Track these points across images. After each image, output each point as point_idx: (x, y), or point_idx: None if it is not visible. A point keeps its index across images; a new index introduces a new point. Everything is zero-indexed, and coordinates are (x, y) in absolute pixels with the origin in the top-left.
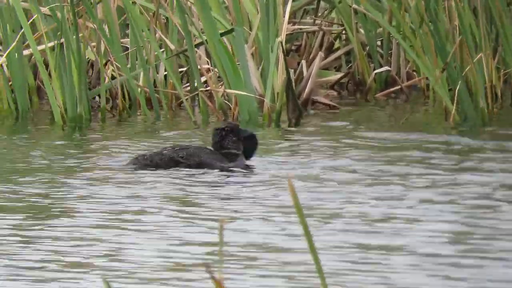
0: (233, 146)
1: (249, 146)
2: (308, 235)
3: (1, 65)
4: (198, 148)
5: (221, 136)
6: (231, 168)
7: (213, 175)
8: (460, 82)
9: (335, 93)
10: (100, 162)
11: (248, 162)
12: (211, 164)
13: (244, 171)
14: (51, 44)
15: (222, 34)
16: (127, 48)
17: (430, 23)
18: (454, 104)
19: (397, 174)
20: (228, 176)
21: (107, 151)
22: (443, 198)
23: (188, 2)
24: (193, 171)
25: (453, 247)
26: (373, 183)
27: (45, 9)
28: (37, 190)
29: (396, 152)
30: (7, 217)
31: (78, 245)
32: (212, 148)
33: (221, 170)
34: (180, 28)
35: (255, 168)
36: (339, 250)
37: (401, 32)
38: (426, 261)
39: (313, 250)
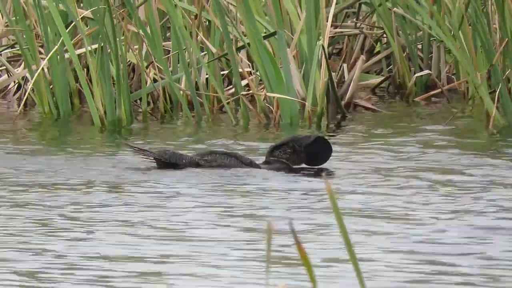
0: (284, 156)
1: (317, 151)
2: (347, 240)
3: (43, 68)
4: (226, 153)
5: (272, 149)
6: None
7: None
8: (501, 85)
9: (376, 97)
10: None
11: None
12: (234, 166)
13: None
14: (90, 47)
15: (264, 37)
16: (168, 51)
17: (474, 24)
18: (494, 108)
19: (442, 179)
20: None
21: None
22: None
23: (230, 5)
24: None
25: None
26: (417, 191)
27: (86, 12)
28: (76, 193)
29: (438, 155)
30: (51, 218)
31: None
32: (248, 158)
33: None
34: (221, 31)
35: (294, 172)
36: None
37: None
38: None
39: (353, 258)
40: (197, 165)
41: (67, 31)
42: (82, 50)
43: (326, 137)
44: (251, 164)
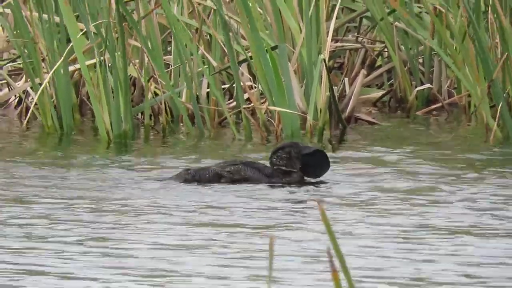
0: (281, 162)
1: (313, 163)
2: (342, 258)
3: (47, 82)
4: (247, 163)
5: (271, 153)
6: (274, 184)
7: (249, 188)
8: (502, 99)
9: (377, 110)
10: (151, 177)
11: (303, 179)
12: (257, 179)
13: (284, 187)
14: (91, 61)
15: (266, 51)
16: (168, 65)
17: (473, 39)
18: (496, 122)
19: (441, 193)
20: (263, 191)
21: (159, 167)
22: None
23: (231, 19)
24: (234, 186)
25: None
26: (417, 204)
27: (89, 26)
28: (89, 204)
29: (440, 169)
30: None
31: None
32: (266, 164)
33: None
34: (223, 45)
35: (299, 185)
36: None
37: (442, 49)
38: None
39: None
40: (220, 177)
41: (68, 47)
42: (92, 61)
43: (327, 153)
44: (272, 175)
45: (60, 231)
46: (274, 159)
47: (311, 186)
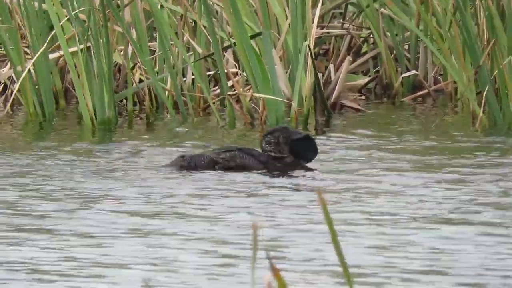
0: (269, 148)
1: (302, 149)
2: (338, 250)
3: (29, 69)
4: (242, 150)
5: (262, 138)
6: (268, 171)
7: (244, 176)
8: (488, 85)
9: (362, 97)
10: (139, 165)
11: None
12: (252, 166)
13: (276, 174)
14: (75, 48)
15: (250, 37)
16: (153, 52)
17: (460, 26)
18: (482, 108)
19: (428, 181)
20: (257, 179)
21: (146, 154)
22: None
23: (215, 5)
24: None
25: None
26: (404, 191)
27: (73, 13)
28: (83, 190)
29: (425, 157)
30: (57, 210)
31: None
32: (265, 155)
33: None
34: (206, 32)
35: (290, 172)
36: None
37: (428, 36)
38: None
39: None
40: (216, 163)
41: (51, 34)
42: (73, 49)
43: (315, 139)
44: (267, 162)
45: (37, 220)
46: (264, 144)
47: (302, 173)
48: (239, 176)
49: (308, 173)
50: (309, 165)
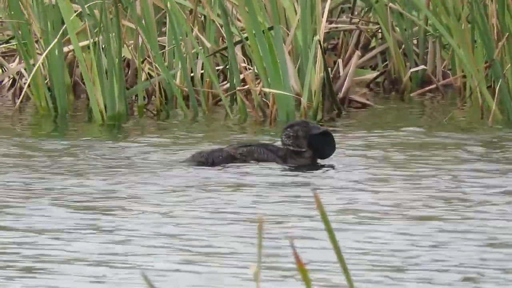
0: (288, 141)
1: (321, 144)
2: (337, 249)
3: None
4: (260, 145)
5: (282, 130)
6: (286, 166)
7: (259, 169)
8: (501, 80)
9: (371, 92)
10: (155, 159)
11: (315, 161)
12: (270, 161)
13: (294, 169)
14: (85, 43)
15: (263, 32)
16: (163, 47)
17: (473, 19)
18: (494, 103)
19: (442, 176)
20: (269, 173)
21: (159, 148)
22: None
23: (226, 1)
24: (247, 167)
25: None
26: (414, 187)
27: (79, 10)
28: (97, 186)
29: (439, 151)
30: (68, 212)
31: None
32: (282, 150)
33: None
34: (220, 27)
35: (310, 168)
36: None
37: (437, 31)
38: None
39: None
40: (233, 158)
41: (62, 28)
42: (83, 43)
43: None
44: (285, 157)
45: (63, 213)
46: (283, 137)
47: (317, 171)
48: (253, 170)
49: (324, 170)
50: (325, 161)
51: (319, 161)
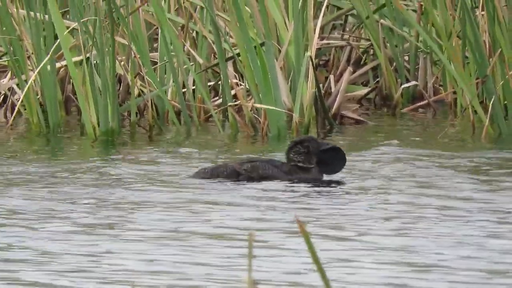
0: (298, 158)
1: (329, 160)
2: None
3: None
4: (266, 161)
5: (289, 147)
6: (294, 181)
7: (263, 186)
8: (494, 96)
9: (362, 108)
10: (158, 175)
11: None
12: (275, 176)
13: (299, 185)
14: (78, 58)
15: (255, 48)
16: (154, 63)
17: (465, 36)
18: (488, 119)
19: (435, 192)
20: (276, 189)
21: (161, 164)
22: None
23: (217, 17)
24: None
25: None
26: (409, 202)
27: (75, 24)
28: (89, 204)
29: (433, 168)
30: (66, 225)
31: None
32: (287, 166)
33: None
34: (211, 42)
35: (316, 183)
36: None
37: (428, 48)
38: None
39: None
40: (238, 174)
41: (54, 44)
42: (78, 58)
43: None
44: (290, 172)
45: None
46: (292, 154)
47: (324, 188)
48: (259, 186)
49: (329, 185)
50: (331, 176)
51: (325, 176)
